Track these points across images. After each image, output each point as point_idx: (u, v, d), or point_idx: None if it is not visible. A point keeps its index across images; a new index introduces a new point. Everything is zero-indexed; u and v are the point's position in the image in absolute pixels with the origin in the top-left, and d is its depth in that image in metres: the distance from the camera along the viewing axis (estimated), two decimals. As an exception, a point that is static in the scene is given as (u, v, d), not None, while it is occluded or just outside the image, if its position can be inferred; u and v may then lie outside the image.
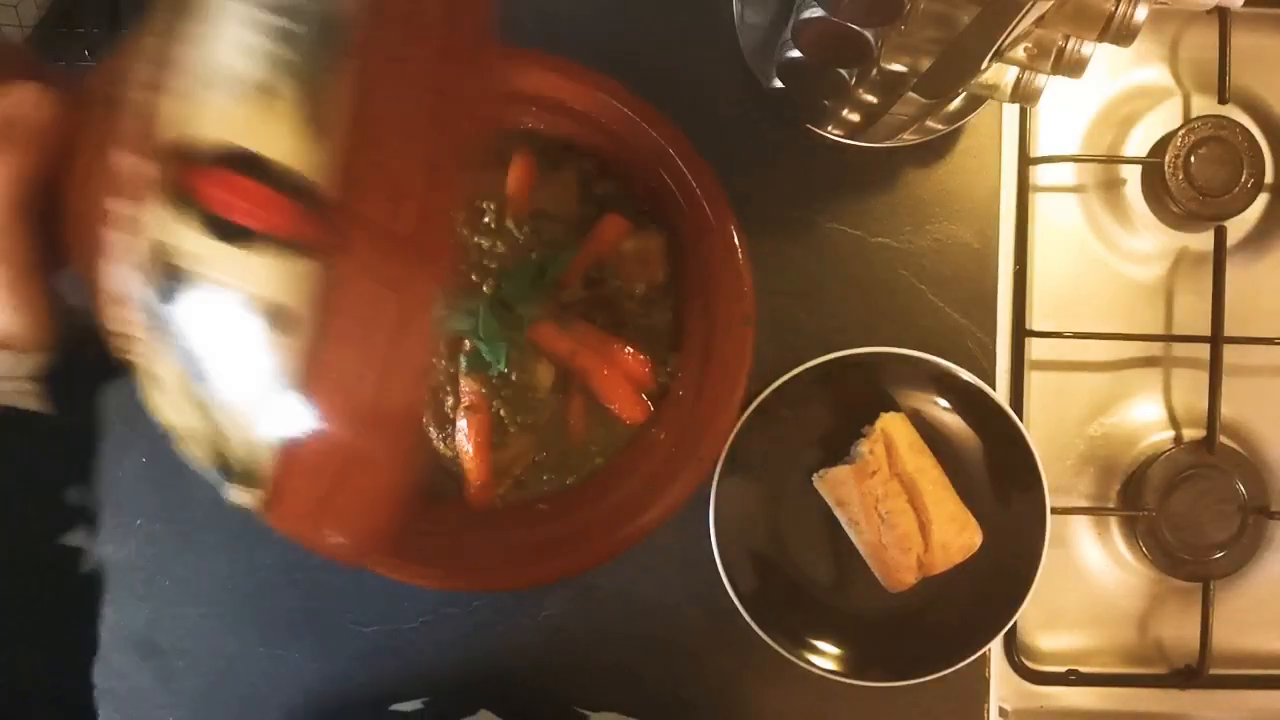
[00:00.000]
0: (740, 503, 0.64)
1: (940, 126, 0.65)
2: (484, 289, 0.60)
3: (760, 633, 0.63)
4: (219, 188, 0.28)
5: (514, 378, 0.60)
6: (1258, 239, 0.71)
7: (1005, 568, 0.64)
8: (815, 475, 0.64)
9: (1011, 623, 0.64)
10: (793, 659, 0.64)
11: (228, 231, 0.28)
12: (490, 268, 0.61)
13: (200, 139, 0.28)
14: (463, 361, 0.60)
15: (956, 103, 0.64)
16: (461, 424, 0.60)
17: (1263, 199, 0.70)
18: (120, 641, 0.66)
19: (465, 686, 0.65)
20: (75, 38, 0.65)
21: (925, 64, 0.52)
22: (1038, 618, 0.70)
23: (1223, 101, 0.69)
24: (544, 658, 0.66)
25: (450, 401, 0.60)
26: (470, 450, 0.60)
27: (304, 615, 0.66)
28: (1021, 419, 0.65)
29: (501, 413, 0.60)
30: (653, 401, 0.63)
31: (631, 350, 0.62)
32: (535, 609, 0.66)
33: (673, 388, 0.63)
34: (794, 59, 0.56)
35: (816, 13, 0.49)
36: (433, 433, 0.62)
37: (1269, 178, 0.69)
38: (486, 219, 0.61)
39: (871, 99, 0.60)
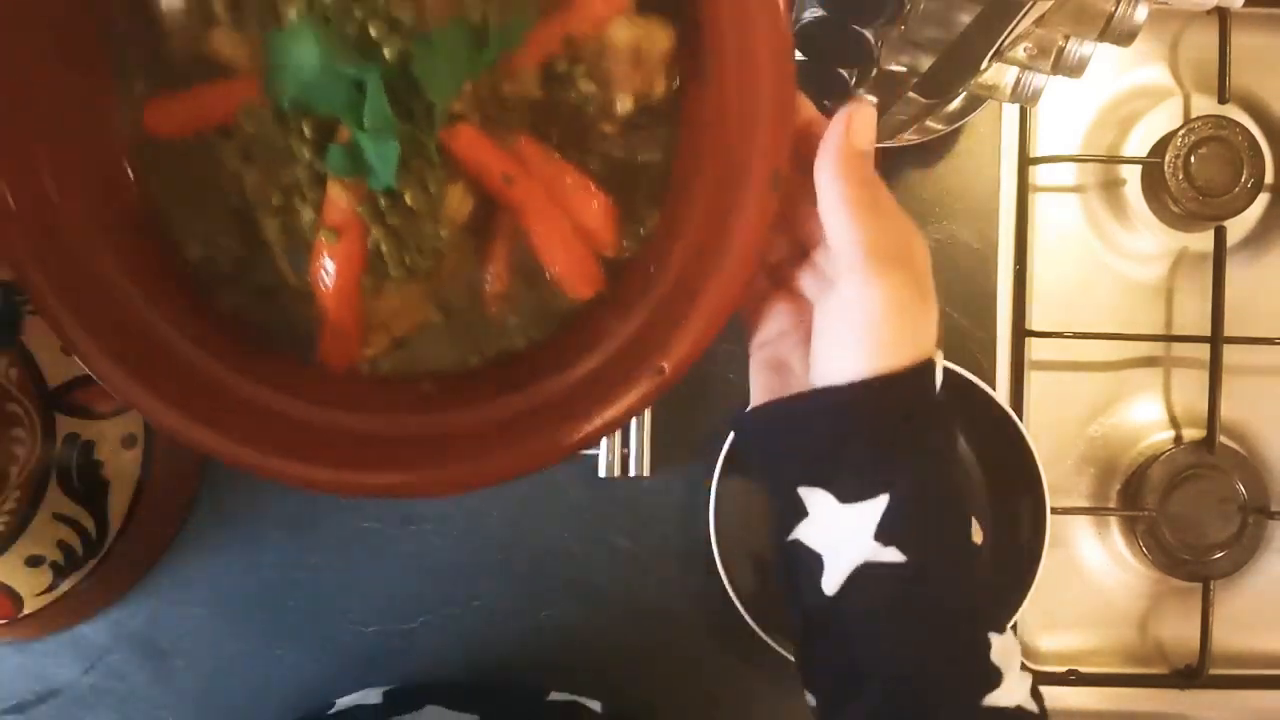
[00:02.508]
0: (740, 503, 0.64)
1: (940, 126, 0.65)
2: (384, 52, 0.39)
3: (760, 633, 0.63)
4: None
5: (408, 198, 0.41)
6: (1258, 239, 0.71)
7: (1005, 568, 0.64)
8: (815, 475, 0.64)
9: (1011, 623, 0.64)
10: (794, 659, 0.63)
11: None
12: (398, 20, 0.39)
13: None
14: (332, 157, 0.40)
15: (956, 103, 0.64)
16: (323, 248, 0.41)
17: (1263, 199, 0.70)
18: (120, 641, 0.66)
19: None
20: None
21: (925, 64, 0.52)
22: (1038, 618, 0.70)
23: (1223, 101, 0.69)
24: (543, 657, 0.66)
25: (308, 215, 0.42)
26: (331, 287, 0.42)
27: (304, 615, 0.66)
28: (1021, 419, 0.65)
29: (383, 246, 0.42)
30: (610, 272, 0.45)
31: (596, 192, 0.43)
32: (535, 609, 0.66)
33: (644, 257, 0.45)
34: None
35: (816, 13, 0.49)
36: (278, 251, 0.43)
37: (1269, 178, 0.69)
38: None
39: (871, 99, 0.60)
